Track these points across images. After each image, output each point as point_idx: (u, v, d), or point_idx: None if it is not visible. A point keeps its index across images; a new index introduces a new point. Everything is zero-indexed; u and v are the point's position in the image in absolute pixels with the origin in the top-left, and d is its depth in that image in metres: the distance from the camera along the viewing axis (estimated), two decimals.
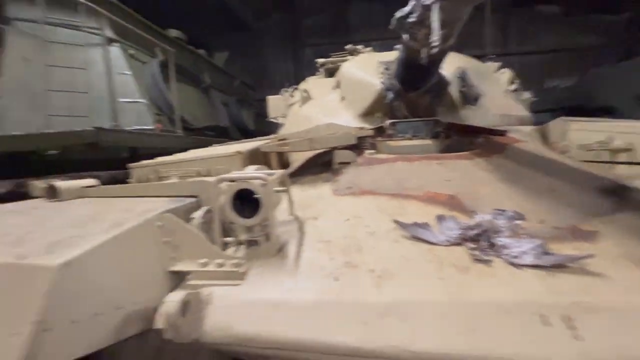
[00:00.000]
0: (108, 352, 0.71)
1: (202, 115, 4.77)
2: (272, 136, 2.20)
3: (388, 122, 1.71)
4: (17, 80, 2.90)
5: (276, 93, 3.10)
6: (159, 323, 0.68)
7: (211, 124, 5.02)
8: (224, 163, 1.47)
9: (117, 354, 0.83)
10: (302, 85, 2.67)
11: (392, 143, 1.62)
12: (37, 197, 1.15)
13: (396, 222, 0.89)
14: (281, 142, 1.54)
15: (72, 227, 0.75)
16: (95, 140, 2.12)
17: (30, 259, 0.58)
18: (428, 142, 1.56)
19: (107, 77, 2.85)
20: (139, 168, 1.56)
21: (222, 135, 5.05)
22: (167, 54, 3.87)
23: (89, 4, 2.79)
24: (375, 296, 0.68)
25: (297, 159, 1.80)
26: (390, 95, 1.81)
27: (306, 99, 2.45)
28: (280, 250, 0.88)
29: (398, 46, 1.54)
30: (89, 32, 3.13)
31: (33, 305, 0.54)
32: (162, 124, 3.55)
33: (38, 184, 1.14)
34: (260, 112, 8.06)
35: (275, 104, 3.19)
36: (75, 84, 2.99)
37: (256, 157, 1.58)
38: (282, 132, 2.51)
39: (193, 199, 0.98)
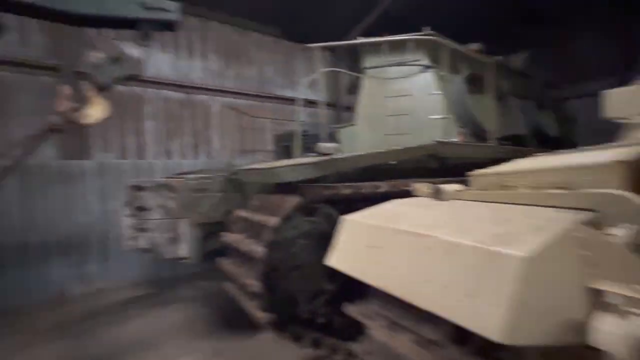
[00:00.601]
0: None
1: (498, 124, 4.52)
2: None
3: None
4: (365, 111, 4.07)
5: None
6: (610, 346, 0.64)
7: (507, 134, 4.63)
8: (593, 174, 1.26)
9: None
10: None
11: None
12: (416, 196, 1.51)
13: None
14: None
15: (491, 225, 0.88)
16: (436, 152, 2.57)
17: (498, 247, 0.72)
18: None
19: (437, 99, 3.37)
20: (480, 176, 1.65)
21: (518, 144, 4.56)
22: (470, 70, 3.99)
23: (425, 37, 3.39)
24: None
25: None
26: None
27: None
28: None
29: None
30: (411, 65, 3.84)
31: (508, 285, 0.66)
32: (463, 136, 3.69)
33: (421, 186, 1.50)
34: (564, 115, 6.54)
35: (618, 99, 2.42)
36: (401, 108, 3.76)
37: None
38: None
39: (588, 212, 0.89)
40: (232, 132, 5.98)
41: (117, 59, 2.43)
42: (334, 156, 1.94)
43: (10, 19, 2.46)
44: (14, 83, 4.56)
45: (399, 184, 1.99)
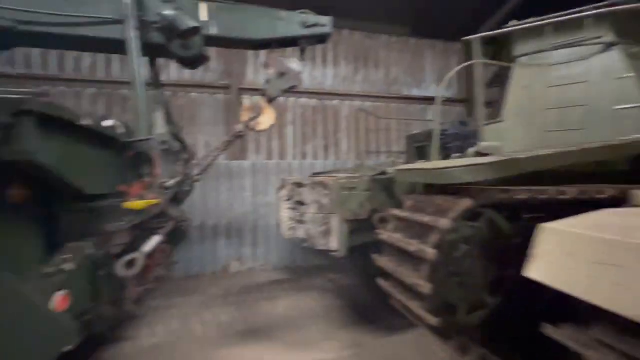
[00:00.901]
0: None
1: None
2: None
3: None
4: (517, 105, 3.54)
5: None
6: None
7: None
8: None
9: None
10: None
11: None
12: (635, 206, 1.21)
13: None
14: None
15: None
16: None
17: None
18: None
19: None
20: None
21: None
22: None
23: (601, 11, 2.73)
24: None
25: None
26: None
27: None
28: None
29: None
30: (589, 45, 3.14)
31: None
32: None
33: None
34: None
35: None
36: (570, 99, 3.12)
37: None
38: None
39: None
40: (359, 134, 6.18)
41: (283, 73, 2.85)
42: (515, 156, 1.74)
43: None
44: (199, 101, 5.92)
45: (590, 189, 1.63)
